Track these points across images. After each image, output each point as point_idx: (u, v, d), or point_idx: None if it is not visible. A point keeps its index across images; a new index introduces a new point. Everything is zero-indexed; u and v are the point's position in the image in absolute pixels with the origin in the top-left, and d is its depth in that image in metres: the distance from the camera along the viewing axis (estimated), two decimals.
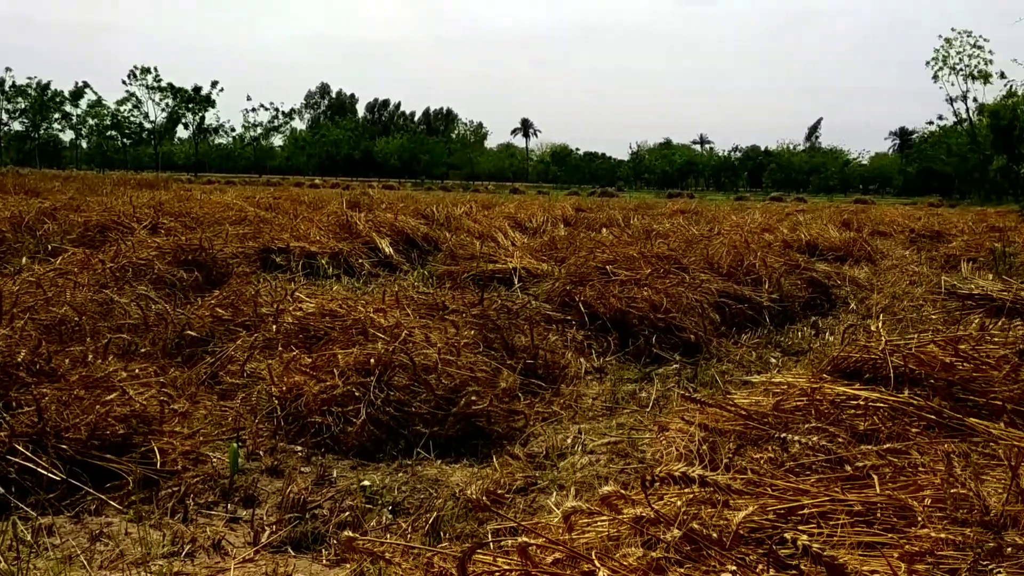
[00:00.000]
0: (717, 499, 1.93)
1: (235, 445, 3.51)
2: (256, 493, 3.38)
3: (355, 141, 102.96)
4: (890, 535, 2.11)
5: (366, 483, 3.48)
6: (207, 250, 8.15)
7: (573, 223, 16.57)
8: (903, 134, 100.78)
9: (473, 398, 4.24)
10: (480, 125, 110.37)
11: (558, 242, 11.28)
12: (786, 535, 1.56)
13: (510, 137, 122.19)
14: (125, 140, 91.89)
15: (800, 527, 2.07)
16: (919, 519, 2.19)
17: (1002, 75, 53.10)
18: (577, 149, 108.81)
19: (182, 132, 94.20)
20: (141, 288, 6.30)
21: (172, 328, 5.37)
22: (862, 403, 3.09)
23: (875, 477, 2.41)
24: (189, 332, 5.33)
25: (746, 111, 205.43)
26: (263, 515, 3.19)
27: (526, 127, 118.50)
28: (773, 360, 6.03)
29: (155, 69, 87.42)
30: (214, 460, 3.62)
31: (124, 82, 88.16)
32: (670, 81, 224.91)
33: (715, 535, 1.83)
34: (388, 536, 2.97)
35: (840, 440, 2.73)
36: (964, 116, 57.72)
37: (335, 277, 9.29)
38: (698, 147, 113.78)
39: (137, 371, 4.23)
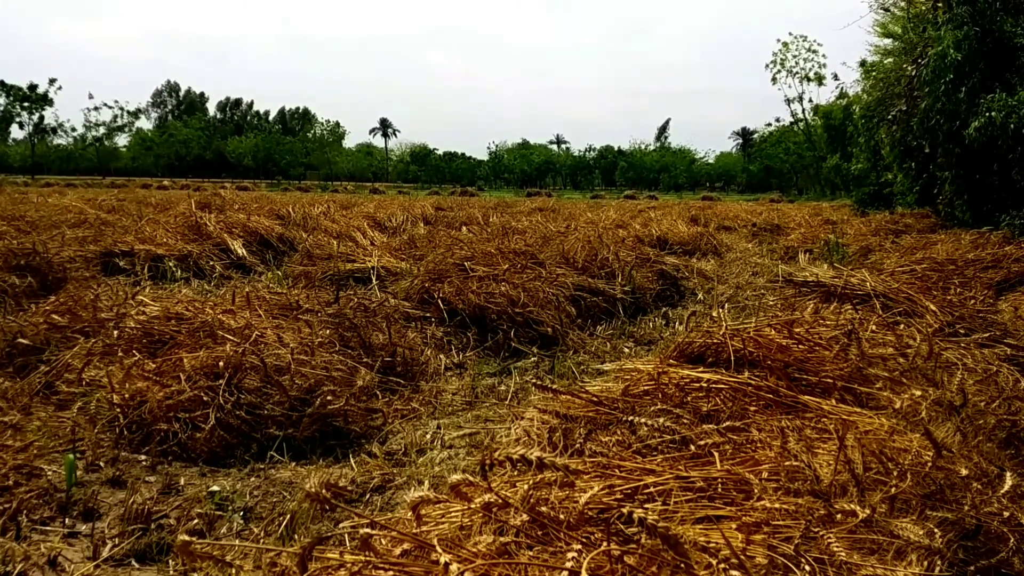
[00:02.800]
0: (565, 482, 1.97)
1: (71, 456, 3.31)
2: (97, 506, 3.20)
3: (206, 141, 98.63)
4: (730, 508, 2.21)
5: (215, 489, 3.36)
6: (41, 254, 7.70)
7: (433, 222, 16.55)
8: (745, 134, 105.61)
9: (329, 398, 4.16)
10: (337, 124, 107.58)
11: (417, 240, 11.23)
12: (623, 510, 1.60)
13: (369, 137, 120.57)
14: None
15: (646, 505, 2.14)
16: (756, 492, 2.30)
17: (835, 77, 56.89)
18: (436, 149, 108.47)
19: (17, 132, 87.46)
20: None
21: (2, 336, 5.03)
22: (705, 385, 3.23)
23: (716, 454, 2.52)
24: (21, 340, 5.00)
25: (599, 112, 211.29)
26: (104, 528, 3.03)
27: (385, 126, 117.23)
28: (626, 350, 6.22)
29: None
30: (49, 473, 3.40)
31: None
32: (526, 82, 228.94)
33: (562, 517, 1.86)
34: (236, 540, 2.88)
35: (685, 421, 2.85)
36: (800, 116, 61.21)
37: (184, 280, 8.93)
38: (555, 147, 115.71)
39: None
